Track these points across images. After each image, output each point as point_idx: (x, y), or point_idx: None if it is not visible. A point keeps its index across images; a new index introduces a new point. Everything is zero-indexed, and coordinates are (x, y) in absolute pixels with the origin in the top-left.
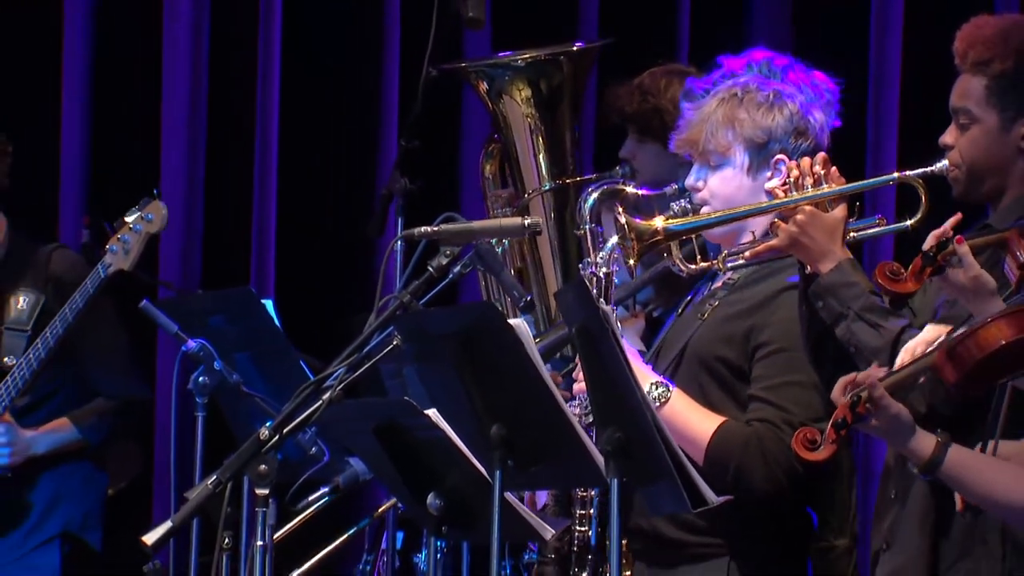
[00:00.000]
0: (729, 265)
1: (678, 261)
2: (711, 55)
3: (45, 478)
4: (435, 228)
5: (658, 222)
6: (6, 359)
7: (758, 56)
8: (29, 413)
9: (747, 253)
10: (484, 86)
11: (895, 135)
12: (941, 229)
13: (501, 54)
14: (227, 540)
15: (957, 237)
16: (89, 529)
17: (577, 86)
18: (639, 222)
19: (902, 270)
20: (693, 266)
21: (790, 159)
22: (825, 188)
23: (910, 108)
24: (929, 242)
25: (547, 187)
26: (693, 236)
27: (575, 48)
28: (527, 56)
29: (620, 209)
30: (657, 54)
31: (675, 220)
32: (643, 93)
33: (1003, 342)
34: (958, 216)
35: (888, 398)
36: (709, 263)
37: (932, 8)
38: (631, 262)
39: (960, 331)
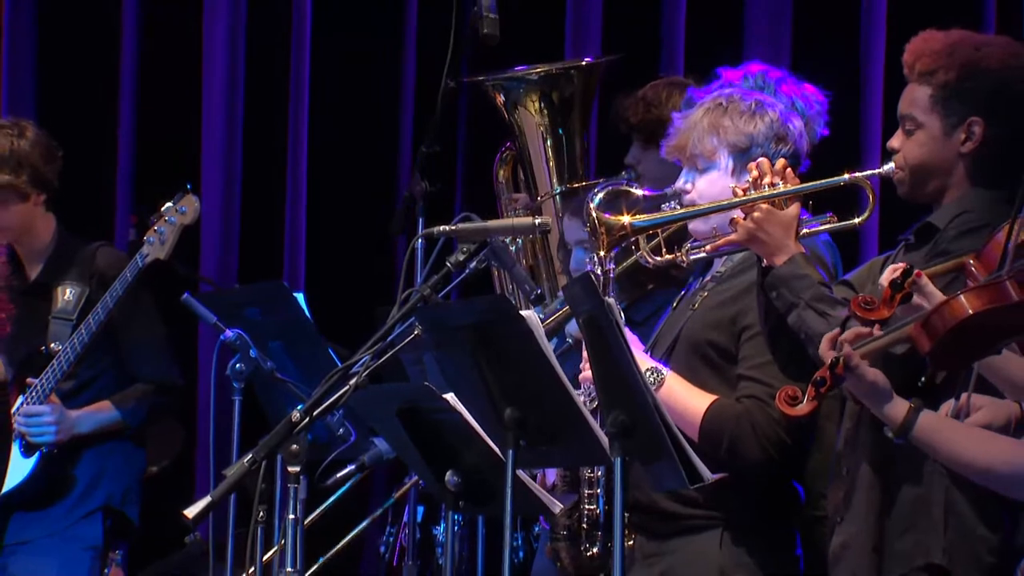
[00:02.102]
0: (692, 257)
1: (645, 253)
2: (707, 68)
3: (88, 456)
4: (453, 227)
5: (625, 218)
6: (53, 345)
7: (754, 69)
8: (73, 397)
9: (708, 247)
10: (501, 97)
11: (878, 142)
12: (903, 264)
13: (517, 68)
14: (262, 514)
15: (916, 271)
16: (129, 504)
17: (586, 97)
18: (608, 217)
19: (875, 300)
20: (659, 258)
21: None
22: (781, 187)
23: (892, 118)
24: (890, 274)
25: (558, 190)
26: (660, 231)
27: (584, 63)
28: (540, 70)
29: (592, 205)
30: (656, 67)
31: (640, 216)
32: (646, 104)
33: (970, 312)
34: (903, 265)
35: (864, 366)
36: (673, 255)
37: (912, 28)
38: (601, 253)
39: (933, 305)
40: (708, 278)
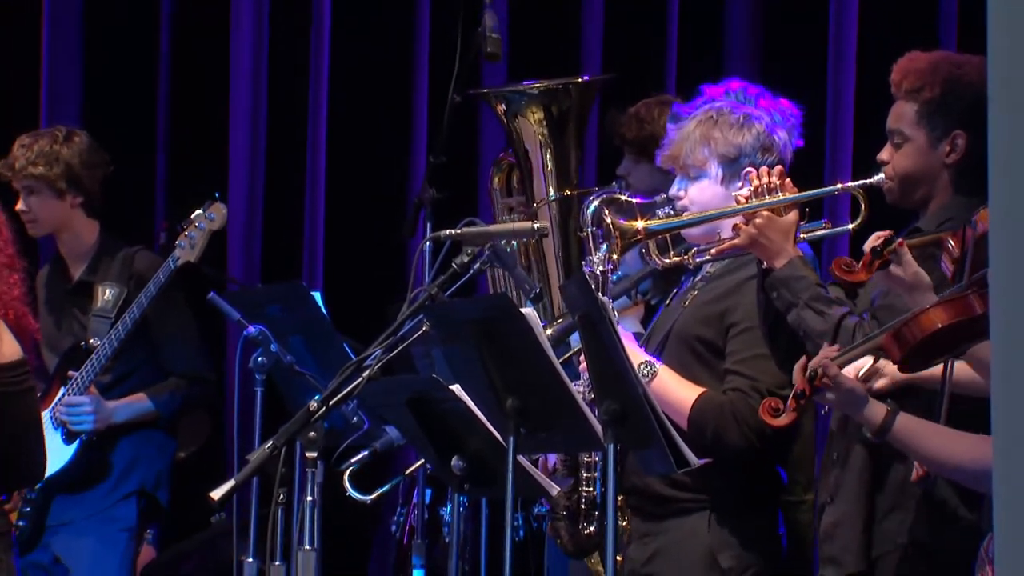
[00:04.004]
0: (698, 260)
1: (655, 256)
2: (693, 84)
3: (124, 443)
4: (458, 231)
5: (639, 223)
6: (92, 340)
7: (734, 85)
8: (111, 389)
9: (713, 250)
10: (502, 108)
11: (850, 152)
12: (886, 233)
13: (525, 83)
14: (282, 496)
15: (899, 240)
16: (161, 488)
17: (583, 111)
18: (623, 223)
19: (854, 263)
20: (667, 260)
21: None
22: (780, 196)
23: (861, 129)
24: (873, 241)
25: (553, 197)
26: (668, 235)
27: (581, 80)
28: (541, 85)
29: (607, 211)
30: (647, 84)
31: (654, 221)
32: (639, 121)
33: (939, 325)
34: (887, 233)
35: (842, 375)
36: (681, 257)
37: (880, 47)
38: (615, 256)
39: (903, 317)
40: (699, 278)
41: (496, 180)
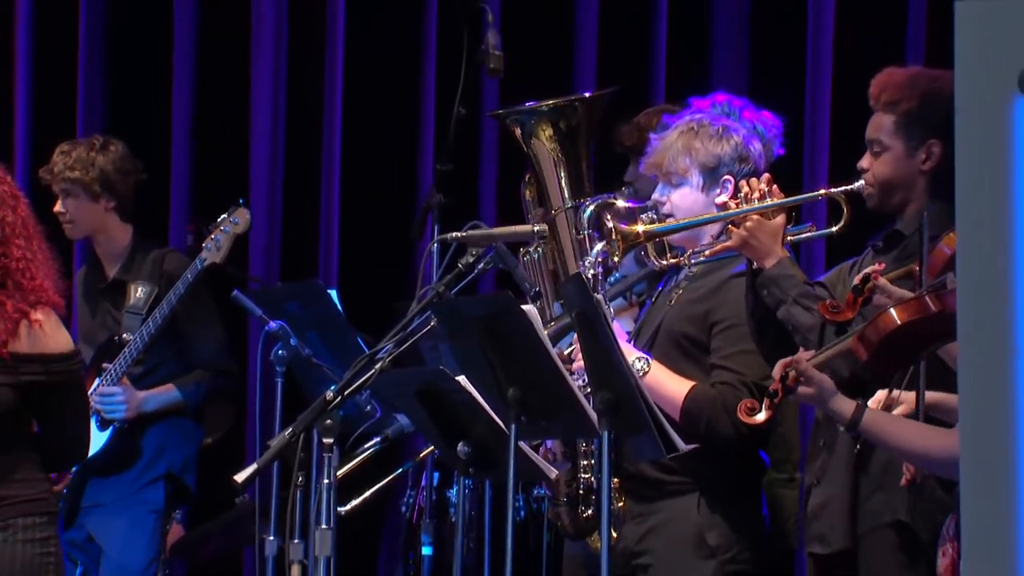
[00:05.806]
0: (693, 261)
1: (653, 257)
2: (682, 94)
3: (154, 430)
4: (463, 233)
5: (640, 227)
6: (125, 335)
7: (720, 98)
8: (142, 380)
9: (707, 252)
10: (518, 131)
11: (826, 160)
12: (866, 270)
13: (528, 103)
14: (300, 479)
15: (875, 274)
16: (188, 473)
17: (590, 124)
18: (623, 227)
19: (839, 304)
20: (664, 261)
21: (735, 180)
22: (768, 201)
23: (838, 139)
24: (856, 279)
25: (569, 205)
26: (664, 239)
27: (587, 95)
28: (550, 103)
29: (608, 216)
30: (639, 93)
31: (652, 225)
32: (640, 129)
33: (898, 322)
34: (880, 265)
35: (813, 370)
36: (677, 259)
37: (855, 63)
38: (615, 259)
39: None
40: (682, 277)
41: (528, 193)
